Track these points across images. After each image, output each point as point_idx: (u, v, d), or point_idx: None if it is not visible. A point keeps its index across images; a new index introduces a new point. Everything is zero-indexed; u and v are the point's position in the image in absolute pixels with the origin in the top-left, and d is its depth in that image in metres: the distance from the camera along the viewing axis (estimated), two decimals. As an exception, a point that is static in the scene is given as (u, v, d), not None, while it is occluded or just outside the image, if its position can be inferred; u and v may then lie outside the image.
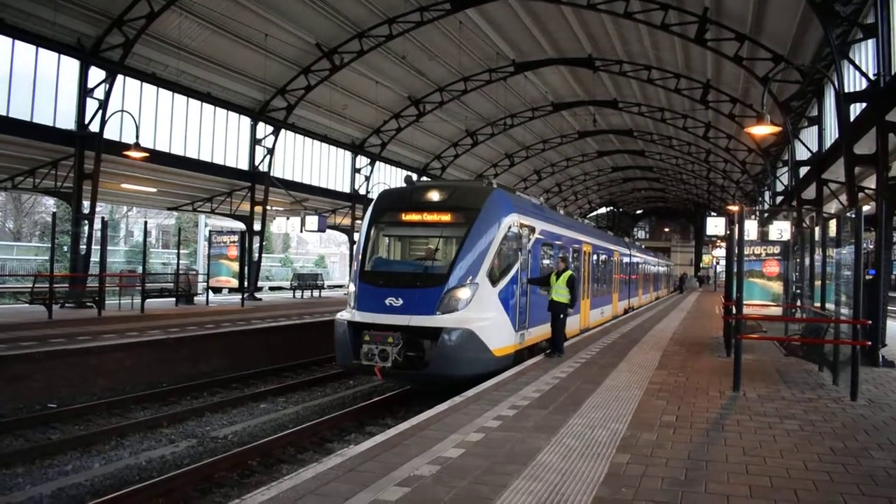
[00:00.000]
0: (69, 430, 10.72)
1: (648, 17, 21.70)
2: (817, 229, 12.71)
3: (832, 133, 20.48)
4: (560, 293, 12.38)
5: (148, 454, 9.53)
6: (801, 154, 22.93)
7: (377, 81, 28.75)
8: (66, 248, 29.82)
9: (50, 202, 43.46)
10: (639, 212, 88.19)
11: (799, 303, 16.06)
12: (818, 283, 12.50)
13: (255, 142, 28.09)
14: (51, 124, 20.10)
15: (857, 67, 14.64)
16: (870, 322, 9.79)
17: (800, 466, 5.92)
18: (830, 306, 10.84)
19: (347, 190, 35.15)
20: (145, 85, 23.11)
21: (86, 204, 20.97)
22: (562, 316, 12.65)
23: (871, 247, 14.31)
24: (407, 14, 23.75)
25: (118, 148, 20.81)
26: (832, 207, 21.16)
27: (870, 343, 10.93)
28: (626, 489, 5.23)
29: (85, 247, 21.10)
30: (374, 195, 17.56)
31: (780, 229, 20.55)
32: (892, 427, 7.45)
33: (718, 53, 22.16)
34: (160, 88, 23.63)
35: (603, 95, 34.03)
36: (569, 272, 12.52)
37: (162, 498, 7.66)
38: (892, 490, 5.33)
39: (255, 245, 28.83)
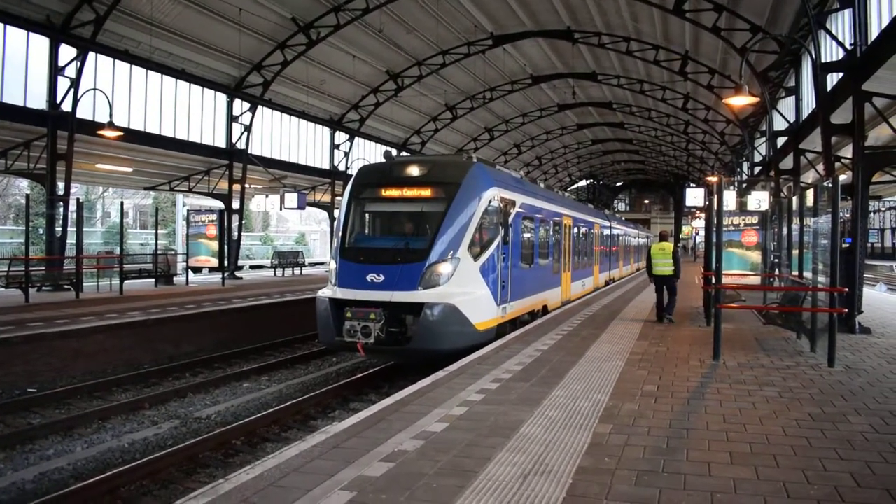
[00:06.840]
0: (50, 414, 10.63)
1: (627, -12, 21.57)
2: (795, 199, 12.79)
3: (809, 103, 20.56)
4: (664, 265, 13.76)
5: (131, 436, 9.48)
6: (779, 124, 23.01)
7: (354, 56, 28.40)
8: (41, 231, 29.36)
9: (23, 184, 42.70)
10: (619, 184, 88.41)
11: (777, 272, 16.22)
12: (796, 252, 12.61)
13: (231, 119, 27.72)
14: (21, 104, 19.67)
15: (834, 37, 14.66)
16: (846, 290, 9.91)
17: (779, 432, 6.00)
18: (808, 275, 10.94)
19: (327, 166, 34.88)
20: (118, 62, 22.64)
21: (60, 185, 20.58)
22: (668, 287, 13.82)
23: (848, 215, 14.43)
24: (384, -14, 23.44)
25: (92, 127, 20.45)
26: (809, 177, 21.30)
27: (846, 310, 11.07)
28: (608, 458, 5.27)
29: (60, 229, 20.73)
30: (353, 171, 17.36)
31: (759, 199, 20.71)
32: (869, 392, 7.57)
33: (697, 24, 22.08)
34: (133, 66, 23.17)
35: (582, 68, 33.90)
36: (670, 245, 13.96)
37: (146, 479, 7.64)
38: (869, 454, 5.41)
39: (235, 224, 28.61)
